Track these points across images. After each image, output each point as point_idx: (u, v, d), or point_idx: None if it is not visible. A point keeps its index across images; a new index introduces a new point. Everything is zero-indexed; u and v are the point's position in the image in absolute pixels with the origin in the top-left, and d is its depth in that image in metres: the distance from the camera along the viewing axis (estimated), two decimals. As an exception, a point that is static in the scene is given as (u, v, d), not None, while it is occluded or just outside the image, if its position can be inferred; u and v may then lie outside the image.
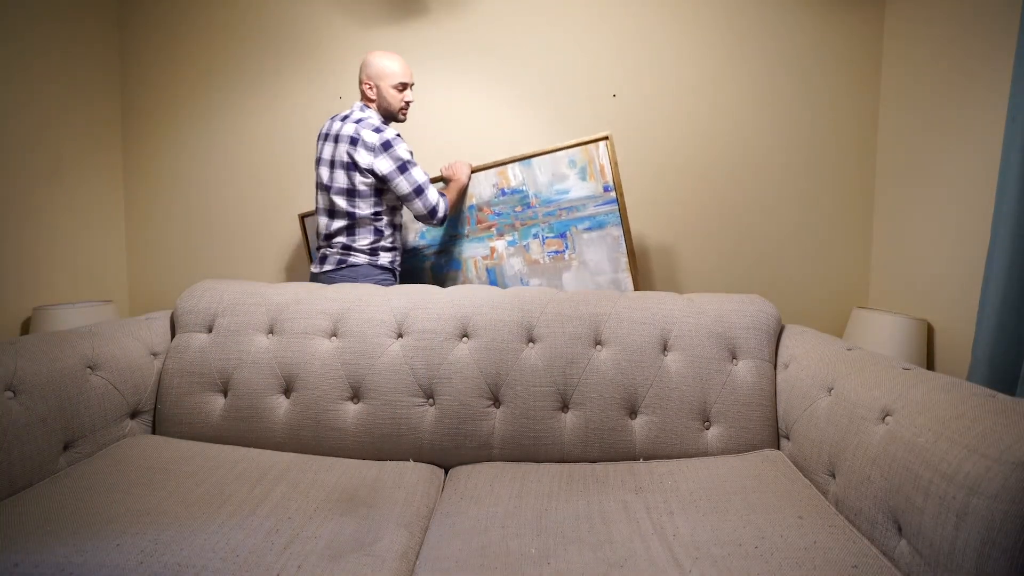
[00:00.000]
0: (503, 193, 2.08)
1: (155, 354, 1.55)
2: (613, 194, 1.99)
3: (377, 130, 1.85)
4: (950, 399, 0.96)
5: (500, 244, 2.09)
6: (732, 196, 2.39)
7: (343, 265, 1.92)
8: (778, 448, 1.39)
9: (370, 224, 1.91)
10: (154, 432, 1.50)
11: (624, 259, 2.00)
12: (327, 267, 1.94)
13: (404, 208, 2.01)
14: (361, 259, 1.91)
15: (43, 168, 2.16)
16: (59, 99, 2.22)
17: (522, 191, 2.06)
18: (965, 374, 1.71)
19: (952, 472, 0.83)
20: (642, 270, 2.40)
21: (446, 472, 1.40)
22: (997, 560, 0.75)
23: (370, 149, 1.84)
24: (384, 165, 1.84)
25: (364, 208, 1.89)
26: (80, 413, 1.30)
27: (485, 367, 1.44)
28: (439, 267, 2.16)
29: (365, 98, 1.96)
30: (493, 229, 2.09)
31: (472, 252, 2.12)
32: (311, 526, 1.03)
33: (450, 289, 1.61)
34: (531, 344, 1.48)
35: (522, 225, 2.07)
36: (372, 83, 1.93)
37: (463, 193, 2.06)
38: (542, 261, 2.07)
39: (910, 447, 0.93)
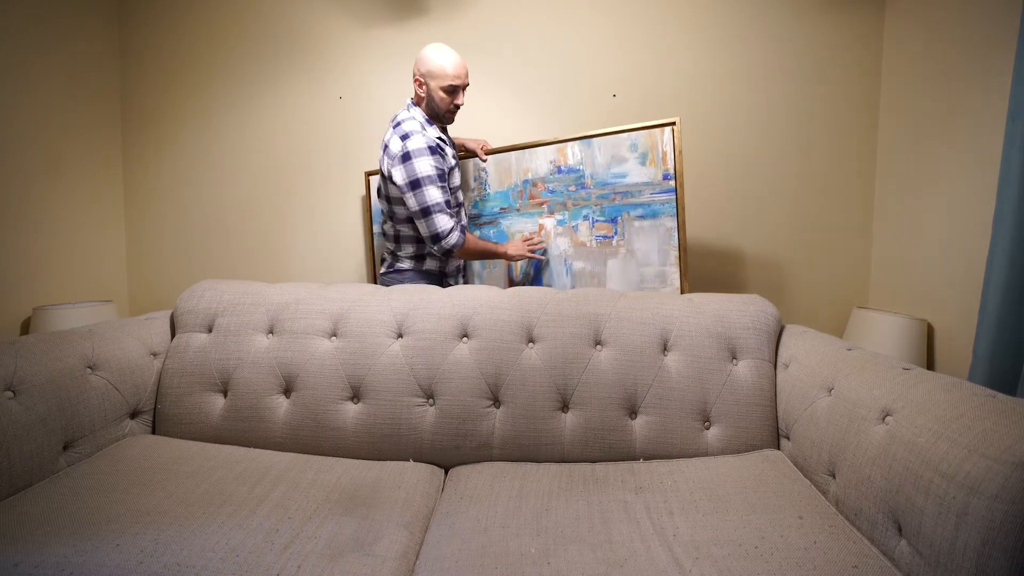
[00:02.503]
0: (559, 171, 2.03)
1: (155, 354, 1.55)
2: (673, 183, 1.89)
3: (404, 137, 1.74)
4: (950, 399, 0.96)
5: (549, 222, 2.05)
6: (732, 196, 2.39)
7: (391, 270, 1.93)
8: (778, 448, 1.39)
9: (410, 233, 1.88)
10: (154, 432, 1.50)
11: (674, 253, 1.91)
12: (382, 269, 1.98)
13: (460, 212, 1.97)
14: (406, 264, 1.90)
15: (43, 168, 2.16)
16: (59, 99, 2.22)
17: (579, 170, 2.00)
18: (965, 374, 1.71)
19: (952, 472, 0.83)
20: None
21: (446, 472, 1.40)
22: (997, 560, 0.75)
23: (391, 158, 1.76)
24: (398, 177, 1.75)
25: (402, 216, 1.86)
26: (80, 413, 1.30)
27: (485, 367, 1.44)
28: (485, 237, 2.13)
29: (415, 95, 1.85)
30: (544, 206, 2.05)
31: (520, 227, 2.08)
32: (311, 526, 1.03)
33: (450, 289, 1.61)
34: (531, 344, 1.48)
35: (574, 205, 2.01)
36: (423, 80, 1.80)
37: (491, 257, 1.98)
38: (588, 244, 2.01)
39: (910, 447, 0.93)
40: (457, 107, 1.85)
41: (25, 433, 1.16)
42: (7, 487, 1.11)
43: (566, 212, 2.03)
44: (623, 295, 1.57)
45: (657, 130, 1.92)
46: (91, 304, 2.15)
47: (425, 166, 1.73)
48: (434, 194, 1.74)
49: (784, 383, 1.41)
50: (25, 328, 2.10)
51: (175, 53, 2.49)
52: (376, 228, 2.31)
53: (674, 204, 1.91)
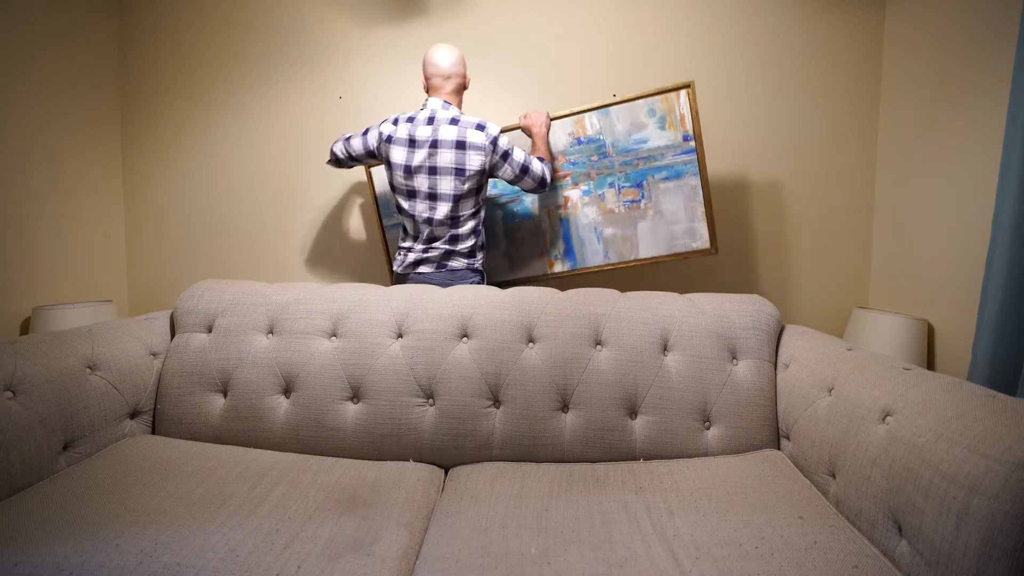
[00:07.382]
0: (579, 142, 2.06)
1: (155, 354, 1.55)
2: (693, 144, 1.95)
3: (479, 127, 1.84)
4: (950, 399, 0.96)
5: (574, 194, 2.08)
6: (731, 196, 2.38)
7: (442, 269, 1.92)
8: (778, 448, 1.39)
9: (472, 227, 1.92)
10: (154, 432, 1.49)
11: (701, 208, 1.98)
12: (425, 269, 1.92)
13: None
14: (460, 263, 1.92)
15: (42, 168, 2.16)
16: (58, 98, 2.21)
17: (599, 140, 2.04)
18: (965, 374, 1.71)
19: (953, 472, 0.83)
20: (646, 265, 2.39)
21: (446, 472, 1.40)
22: (998, 560, 0.75)
23: (480, 149, 1.83)
24: (493, 160, 1.86)
25: (467, 211, 1.89)
26: (80, 413, 1.30)
27: (485, 367, 1.44)
28: (510, 216, 2.13)
29: (456, 92, 1.94)
30: (568, 179, 2.07)
31: (545, 202, 2.10)
32: (311, 526, 1.03)
33: (450, 289, 1.61)
34: (531, 344, 1.48)
35: (598, 175, 2.05)
36: (468, 74, 1.96)
37: (548, 141, 2.04)
38: (617, 210, 2.05)
39: (910, 447, 0.93)
40: None
41: (25, 433, 1.16)
42: (7, 487, 1.11)
43: (591, 182, 2.06)
44: (623, 295, 1.57)
45: (673, 94, 1.96)
46: (91, 304, 2.14)
47: (505, 140, 1.88)
48: (519, 152, 1.89)
49: (784, 383, 1.41)
50: (25, 328, 2.10)
51: (175, 53, 2.49)
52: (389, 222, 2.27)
53: (696, 163, 1.96)
